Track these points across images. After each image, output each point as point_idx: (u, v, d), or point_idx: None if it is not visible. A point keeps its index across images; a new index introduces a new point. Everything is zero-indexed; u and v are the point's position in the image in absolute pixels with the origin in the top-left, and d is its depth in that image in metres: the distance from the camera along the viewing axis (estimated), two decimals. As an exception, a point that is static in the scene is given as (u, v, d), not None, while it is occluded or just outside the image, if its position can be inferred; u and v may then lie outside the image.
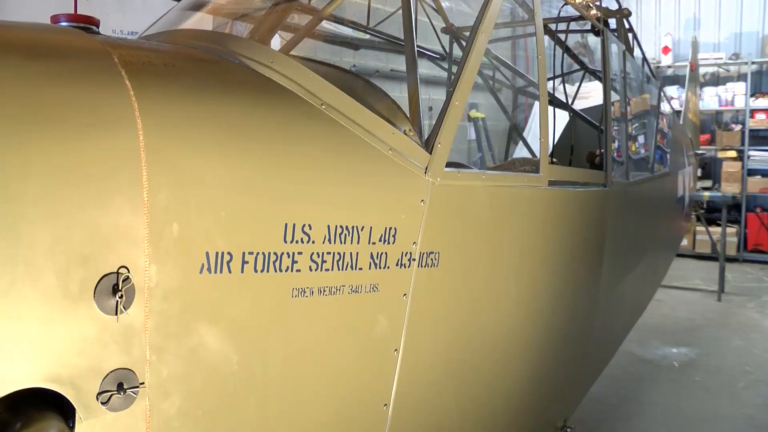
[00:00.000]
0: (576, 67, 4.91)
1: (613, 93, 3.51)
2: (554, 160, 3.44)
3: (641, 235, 4.04)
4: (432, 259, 1.86)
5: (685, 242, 10.79)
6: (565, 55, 4.98)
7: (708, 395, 5.55)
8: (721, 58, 11.11)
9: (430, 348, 1.95)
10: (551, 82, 4.55)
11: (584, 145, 4.37)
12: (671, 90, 11.07)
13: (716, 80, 11.47)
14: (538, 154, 2.50)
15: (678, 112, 8.63)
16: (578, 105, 5.31)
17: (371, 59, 6.99)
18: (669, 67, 11.41)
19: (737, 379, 5.90)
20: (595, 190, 2.94)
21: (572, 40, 10.11)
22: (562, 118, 5.40)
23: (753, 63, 10.91)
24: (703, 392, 5.62)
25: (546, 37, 4.38)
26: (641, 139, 4.30)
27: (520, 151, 7.99)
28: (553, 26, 4.20)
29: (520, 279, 2.36)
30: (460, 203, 2.00)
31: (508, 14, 4.33)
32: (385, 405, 1.81)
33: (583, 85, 5.36)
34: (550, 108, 4.76)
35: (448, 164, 1.93)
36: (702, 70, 11.37)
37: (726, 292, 8.69)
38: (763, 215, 10.82)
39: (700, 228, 9.92)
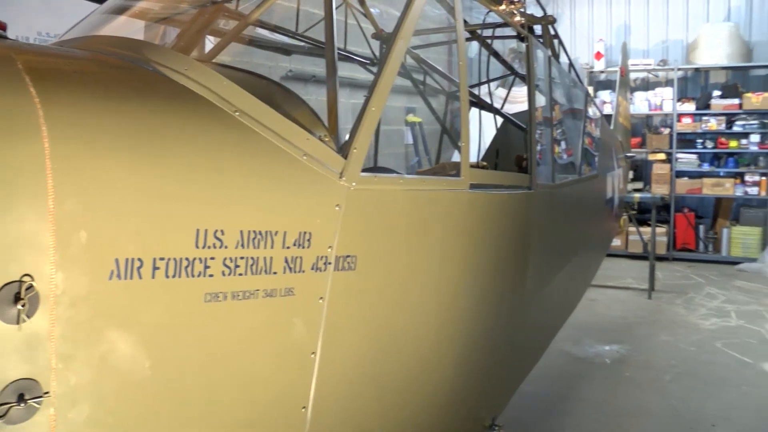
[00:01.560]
0: (506, 72, 5.04)
1: (540, 97, 3.62)
2: (484, 163, 3.54)
3: (569, 236, 4.16)
4: (349, 263, 1.89)
5: (618, 242, 11.15)
6: (500, 60, 5.13)
7: (637, 390, 5.76)
8: (651, 64, 11.50)
9: (349, 350, 1.99)
10: (484, 86, 4.67)
11: (517, 148, 4.48)
12: (604, 94, 11.42)
13: (646, 85, 11.85)
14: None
15: (609, 116, 8.92)
16: (512, 109, 5.45)
17: (308, 64, 7.01)
18: (602, 72, 11.73)
19: (664, 372, 6.14)
20: (519, 192, 3.02)
21: (508, 47, 10.36)
22: (494, 122, 5.54)
23: (679, 69, 11.34)
24: (633, 387, 5.83)
25: (475, 43, 4.51)
26: (568, 142, 4.43)
27: (455, 156, 8.12)
28: (481, 32, 4.33)
29: (441, 281, 2.41)
30: (377, 207, 2.03)
31: (431, 21, 4.41)
32: (304, 407, 1.84)
33: (518, 90, 5.49)
34: (483, 113, 4.90)
35: (367, 169, 1.97)
36: (633, 76, 11.75)
37: (656, 290, 9.00)
38: (690, 215, 11.23)
39: (632, 228, 10.23)
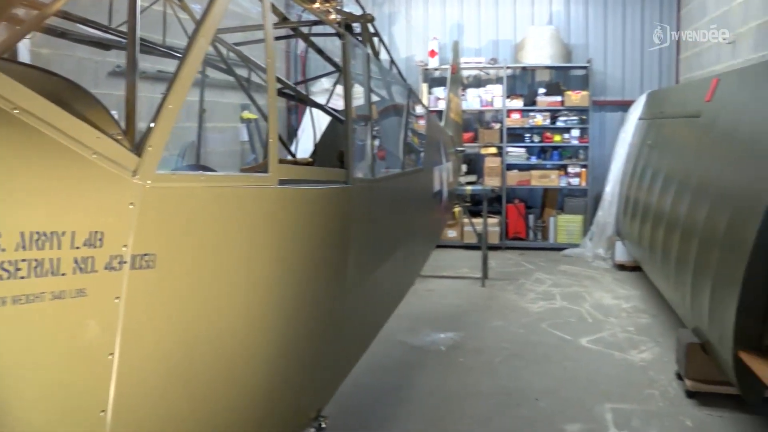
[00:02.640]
0: (331, 68, 5.09)
1: (359, 94, 3.67)
2: (309, 159, 3.52)
3: (392, 229, 4.24)
4: (147, 261, 1.84)
5: (454, 234, 11.59)
6: (323, 57, 5.16)
7: (470, 373, 6.02)
8: (482, 63, 12.01)
9: (151, 349, 1.93)
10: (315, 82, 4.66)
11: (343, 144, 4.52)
12: (438, 91, 11.79)
13: (478, 82, 12.37)
14: (300, 153, 2.54)
15: (441, 112, 9.23)
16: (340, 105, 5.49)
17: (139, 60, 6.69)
18: (436, 69, 12.12)
19: (495, 355, 6.46)
20: (335, 187, 3.03)
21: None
22: (323, 118, 5.55)
23: (508, 68, 11.93)
24: (466, 371, 6.08)
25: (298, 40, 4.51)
26: (389, 137, 4.52)
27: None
28: (302, 29, 4.35)
29: (251, 277, 2.38)
30: (177, 205, 1.99)
31: (251, 18, 4.37)
32: (103, 411, 1.76)
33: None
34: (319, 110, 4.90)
35: (166, 166, 1.93)
36: (465, 73, 12.23)
37: (489, 278, 9.43)
38: (520, 206, 11.87)
39: (467, 220, 10.66)
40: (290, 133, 12.05)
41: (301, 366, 2.86)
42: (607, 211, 10.72)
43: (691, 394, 5.38)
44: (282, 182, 2.52)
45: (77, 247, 1.66)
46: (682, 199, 6.27)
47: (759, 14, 7.70)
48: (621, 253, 9.96)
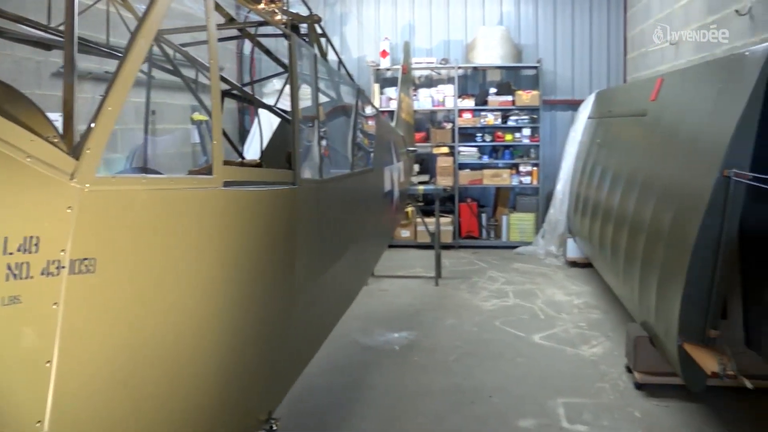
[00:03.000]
0: (280, 69, 5.05)
1: (306, 94, 3.65)
2: (256, 161, 3.49)
3: (342, 229, 4.22)
4: (86, 266, 1.80)
5: (407, 234, 11.62)
6: (272, 58, 5.12)
7: (425, 372, 6.03)
8: (433, 63, 12.05)
9: (92, 355, 1.88)
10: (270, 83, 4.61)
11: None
12: (390, 91, 11.80)
13: (430, 82, 12.41)
14: (251, 155, 2.51)
15: (392, 112, 9.25)
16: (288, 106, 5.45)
17: (83, 60, 6.53)
18: (387, 69, 12.12)
19: (449, 353, 6.49)
20: (281, 188, 3.01)
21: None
22: (276, 120, 5.51)
23: (459, 68, 12.00)
24: (421, 370, 6.09)
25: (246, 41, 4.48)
26: (337, 138, 4.51)
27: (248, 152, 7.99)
28: (249, 30, 4.31)
29: (196, 280, 2.34)
30: (117, 208, 1.95)
31: (189, 18, 4.31)
32: (39, 422, 1.71)
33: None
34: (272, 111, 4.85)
35: (113, 169, 1.89)
36: (417, 73, 12.28)
37: (443, 277, 9.47)
38: (473, 204, 11.95)
39: (420, 220, 10.70)
40: (243, 135, 11.94)
41: (249, 368, 2.83)
42: (559, 209, 10.87)
43: (639, 386, 5.50)
44: (227, 184, 2.49)
45: (10, 253, 1.61)
46: (629, 197, 6.39)
47: (699, 17, 7.89)
48: (572, 250, 10.10)
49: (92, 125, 1.88)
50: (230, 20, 4.30)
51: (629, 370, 5.79)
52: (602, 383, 5.71)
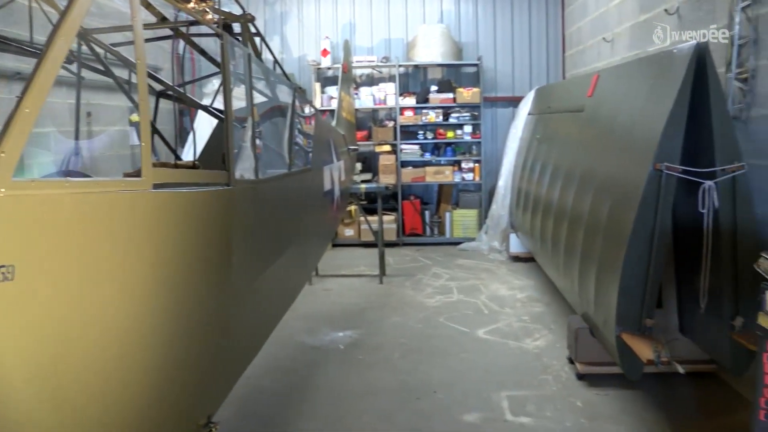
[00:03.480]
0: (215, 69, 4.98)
1: (240, 94, 3.60)
2: (192, 162, 3.41)
3: (280, 230, 4.17)
4: (4, 273, 1.74)
5: (351, 233, 11.61)
6: (206, 57, 5.03)
7: (370, 370, 6.02)
8: (374, 61, 12.05)
9: (12, 366, 1.82)
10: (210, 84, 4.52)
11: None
12: (331, 90, 11.76)
13: (371, 81, 12.41)
14: (189, 156, 2.45)
15: (333, 111, 9.22)
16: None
17: (9, 60, 6.29)
18: (328, 68, 12.08)
19: (394, 351, 6.49)
20: (215, 190, 2.95)
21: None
22: (213, 121, 5.42)
23: (400, 66, 12.03)
24: (366, 368, 6.08)
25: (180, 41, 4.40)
26: (274, 137, 4.45)
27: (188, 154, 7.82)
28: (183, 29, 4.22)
29: (124, 284, 2.29)
30: (37, 213, 1.89)
31: (123, 17, 4.19)
32: None
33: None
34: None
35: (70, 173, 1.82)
36: (358, 72, 12.27)
37: (387, 274, 9.49)
38: (416, 202, 12.00)
39: (363, 218, 10.69)
40: (184, 136, 11.72)
41: (185, 373, 2.77)
42: (501, 205, 11.00)
43: (581, 377, 5.60)
44: (158, 186, 2.43)
45: None
46: (568, 191, 6.51)
47: (632, 16, 8.09)
48: (515, 245, 10.22)
49: (7, 128, 1.81)
50: (162, 19, 4.20)
51: (571, 361, 5.89)
52: (545, 375, 5.80)
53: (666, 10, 6.84)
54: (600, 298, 5.15)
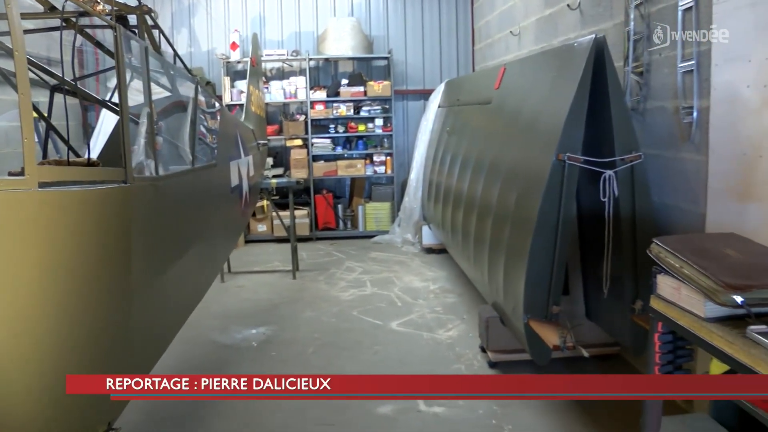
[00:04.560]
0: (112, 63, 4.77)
1: (136, 89, 3.47)
2: (90, 159, 3.25)
3: (184, 226, 4.04)
4: None
5: (264, 228, 11.46)
6: (103, 50, 4.82)
7: (283, 366, 5.96)
8: (284, 55, 11.90)
9: None
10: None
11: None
12: (241, 84, 11.53)
13: (282, 74, 12.26)
14: (97, 153, 2.33)
15: (243, 105, 9.04)
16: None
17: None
18: (238, 62, 11.84)
19: (308, 345, 6.45)
20: (110, 187, 2.82)
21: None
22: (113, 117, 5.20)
23: (311, 59, 11.92)
24: (280, 364, 6.01)
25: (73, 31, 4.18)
26: (174, 133, 4.31)
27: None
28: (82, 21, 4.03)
29: (9, 288, 2.17)
30: None
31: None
32: None
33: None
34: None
35: None
36: (269, 65, 12.10)
37: (300, 269, 9.41)
38: (328, 196, 11.94)
39: (276, 213, 10.57)
40: (91, 132, 11.26)
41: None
42: (413, 197, 11.07)
43: (493, 365, 5.71)
44: (45, 185, 2.31)
45: None
46: (477, 183, 6.60)
47: (537, 10, 8.28)
48: (428, 237, 10.31)
49: None
50: (51, 9, 3.98)
51: (483, 349, 5.99)
52: (458, 364, 5.87)
53: (569, 5, 7.02)
54: (508, 286, 5.25)
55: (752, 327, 2.74)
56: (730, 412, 3.56)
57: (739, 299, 2.84)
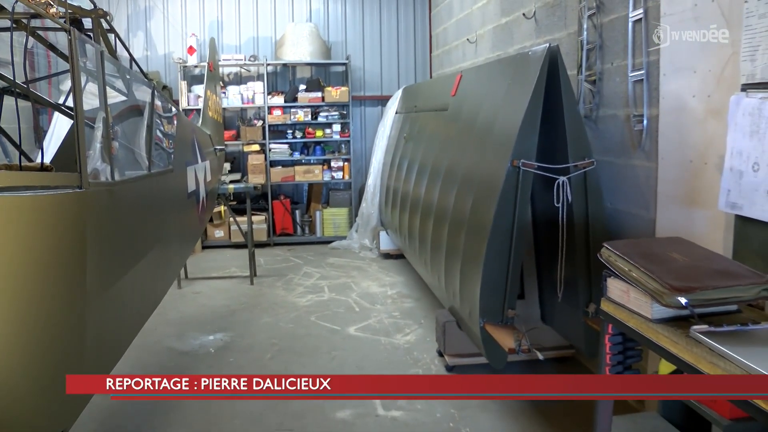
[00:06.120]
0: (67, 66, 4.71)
1: (91, 94, 3.43)
2: (43, 164, 3.20)
3: (140, 232, 4.00)
4: None
5: (221, 234, 11.38)
6: (57, 54, 4.75)
7: (241, 372, 5.91)
8: (242, 60, 11.84)
9: None
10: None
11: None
12: (198, 89, 11.45)
13: (239, 79, 12.20)
14: (50, 158, 2.29)
15: (199, 110, 8.98)
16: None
17: None
18: (195, 66, 11.75)
19: (266, 351, 6.42)
20: (63, 193, 2.79)
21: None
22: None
23: (269, 65, 11.89)
24: (237, 370, 5.98)
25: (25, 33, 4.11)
26: (130, 138, 4.27)
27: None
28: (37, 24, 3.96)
29: None
30: None
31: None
32: None
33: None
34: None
35: None
36: (226, 70, 12.02)
37: (258, 275, 9.36)
38: (286, 201, 11.90)
39: (233, 219, 10.50)
40: (44, 136, 11.03)
41: (31, 387, 2.60)
42: (371, 203, 11.11)
43: (450, 368, 5.77)
44: None
45: None
46: (434, 189, 6.66)
47: (494, 19, 8.41)
48: (385, 243, 10.36)
49: None
50: (0, 9, 3.91)
51: (440, 354, 6.06)
52: (416, 369, 5.92)
53: (524, 14, 7.15)
54: (465, 291, 5.32)
55: (695, 327, 2.85)
56: (679, 410, 3.68)
57: (683, 301, 2.94)
